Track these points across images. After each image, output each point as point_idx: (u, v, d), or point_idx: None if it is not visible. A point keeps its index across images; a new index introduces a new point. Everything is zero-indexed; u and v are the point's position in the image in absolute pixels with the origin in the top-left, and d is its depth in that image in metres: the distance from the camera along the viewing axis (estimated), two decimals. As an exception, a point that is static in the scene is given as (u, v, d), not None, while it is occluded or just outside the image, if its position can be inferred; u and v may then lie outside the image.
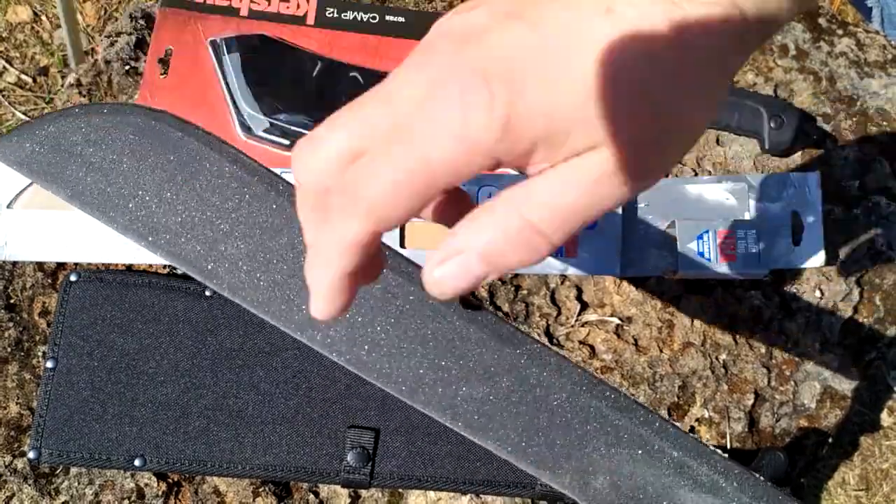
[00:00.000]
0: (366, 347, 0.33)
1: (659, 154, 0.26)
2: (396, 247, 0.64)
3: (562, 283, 0.65)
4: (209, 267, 0.33)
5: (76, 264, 0.64)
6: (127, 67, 0.69)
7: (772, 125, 0.66)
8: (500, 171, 0.67)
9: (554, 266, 0.64)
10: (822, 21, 0.72)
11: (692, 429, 0.63)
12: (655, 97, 0.24)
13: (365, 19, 0.70)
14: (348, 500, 0.61)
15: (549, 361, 0.32)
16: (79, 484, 0.61)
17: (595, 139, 0.25)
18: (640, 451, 0.32)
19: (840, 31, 0.72)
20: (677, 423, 0.32)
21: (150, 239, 0.34)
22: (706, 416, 0.63)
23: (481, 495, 0.61)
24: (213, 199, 0.34)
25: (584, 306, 0.65)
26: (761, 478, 0.33)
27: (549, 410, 0.32)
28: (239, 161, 0.34)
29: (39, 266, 0.64)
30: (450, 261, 0.26)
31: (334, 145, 0.25)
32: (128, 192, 0.34)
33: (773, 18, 0.26)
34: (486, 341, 0.32)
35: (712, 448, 0.33)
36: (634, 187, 0.26)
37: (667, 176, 0.68)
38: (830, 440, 0.64)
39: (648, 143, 0.25)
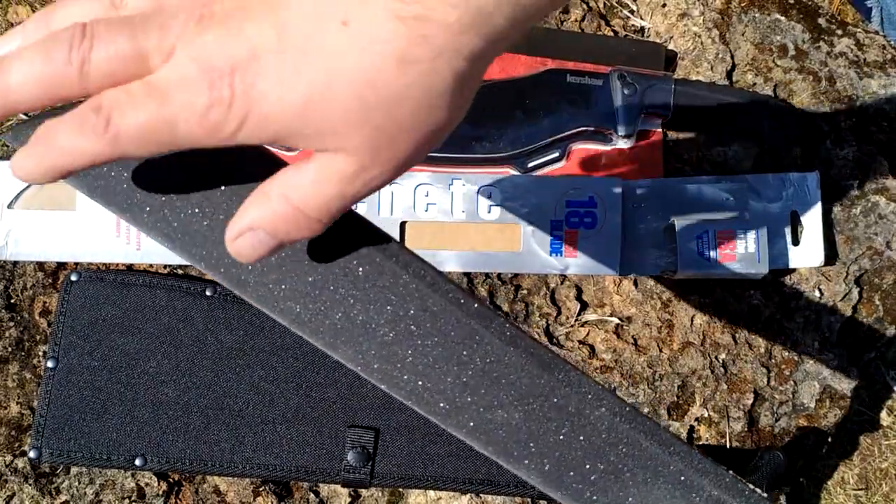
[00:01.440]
0: (398, 366, 0.32)
1: (396, 152, 0.28)
2: (396, 247, 0.64)
3: (562, 283, 0.65)
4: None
5: (77, 264, 0.64)
6: (127, 67, 0.69)
7: (772, 125, 0.66)
8: (499, 170, 0.67)
9: (554, 266, 0.64)
10: (821, 21, 0.72)
11: (692, 428, 0.63)
12: (379, 107, 0.27)
13: (365, 19, 0.70)
14: (348, 500, 0.61)
15: (588, 390, 0.31)
16: (79, 483, 0.61)
17: (334, 143, 0.28)
18: (678, 487, 0.31)
19: (839, 32, 0.72)
20: (714, 462, 0.31)
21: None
22: (706, 415, 0.63)
23: (481, 495, 0.61)
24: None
25: (584, 306, 0.65)
26: None
27: (587, 440, 0.31)
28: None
29: (40, 266, 0.65)
30: (243, 236, 0.30)
31: (119, 47, 0.27)
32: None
33: (501, 37, 0.28)
34: (525, 366, 0.31)
35: (745, 483, 0.32)
36: (385, 178, 0.29)
37: (666, 176, 0.68)
38: (830, 440, 0.64)
39: (382, 147, 0.28)
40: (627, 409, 0.31)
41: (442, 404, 0.31)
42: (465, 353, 0.31)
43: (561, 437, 0.31)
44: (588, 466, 0.31)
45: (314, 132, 0.28)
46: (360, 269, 0.32)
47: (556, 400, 0.31)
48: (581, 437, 0.31)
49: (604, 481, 0.31)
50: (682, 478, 0.31)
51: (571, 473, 0.31)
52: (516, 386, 0.31)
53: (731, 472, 0.32)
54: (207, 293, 0.62)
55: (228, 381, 0.60)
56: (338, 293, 0.32)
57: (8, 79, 0.28)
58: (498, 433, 0.31)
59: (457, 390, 0.31)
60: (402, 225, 0.64)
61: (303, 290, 0.32)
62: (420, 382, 0.31)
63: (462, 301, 0.31)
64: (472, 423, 0.31)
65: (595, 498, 0.31)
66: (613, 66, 0.68)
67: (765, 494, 0.33)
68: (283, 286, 0.32)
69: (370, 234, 0.33)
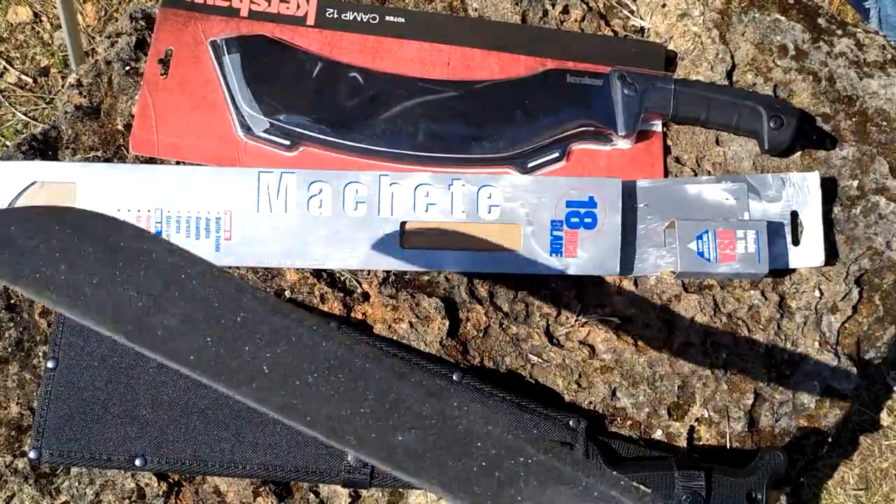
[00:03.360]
0: (299, 396, 0.36)
1: None
2: (396, 247, 0.64)
3: (562, 283, 0.65)
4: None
5: (77, 264, 0.64)
6: (127, 68, 0.69)
7: (771, 125, 0.66)
8: (499, 170, 0.67)
9: (554, 266, 0.64)
10: (821, 21, 0.72)
11: (692, 428, 0.63)
12: None
13: (365, 20, 0.70)
14: (348, 500, 0.61)
15: (475, 410, 0.36)
16: (79, 484, 0.61)
17: None
18: (569, 488, 0.34)
19: (839, 32, 0.72)
20: (602, 466, 0.34)
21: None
22: (706, 415, 0.63)
23: (481, 495, 0.61)
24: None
25: (584, 306, 0.65)
26: None
27: (476, 455, 0.34)
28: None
29: (40, 266, 0.65)
30: None
31: None
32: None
33: None
34: (418, 396, 0.35)
35: (636, 485, 0.35)
36: None
37: (666, 176, 0.68)
38: (830, 440, 0.64)
39: None
40: (513, 426, 0.35)
41: (345, 432, 0.35)
42: (360, 385, 0.35)
43: (452, 453, 0.34)
44: (480, 478, 0.34)
45: None
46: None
47: (447, 422, 0.35)
48: (471, 452, 0.34)
49: (496, 489, 0.34)
50: (573, 481, 0.34)
51: (464, 484, 0.34)
52: (411, 412, 0.35)
53: (616, 473, 0.35)
54: (207, 293, 0.61)
55: (228, 382, 0.60)
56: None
57: None
58: (397, 453, 0.34)
59: (357, 417, 0.35)
60: (402, 225, 0.64)
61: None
62: (323, 412, 0.35)
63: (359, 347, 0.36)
64: (372, 446, 0.35)
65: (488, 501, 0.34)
66: (613, 66, 0.68)
67: (648, 490, 0.35)
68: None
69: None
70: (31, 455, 0.59)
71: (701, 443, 0.63)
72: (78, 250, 0.36)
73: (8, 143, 1.15)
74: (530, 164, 0.67)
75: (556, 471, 0.34)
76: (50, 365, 0.60)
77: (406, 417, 0.35)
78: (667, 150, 0.69)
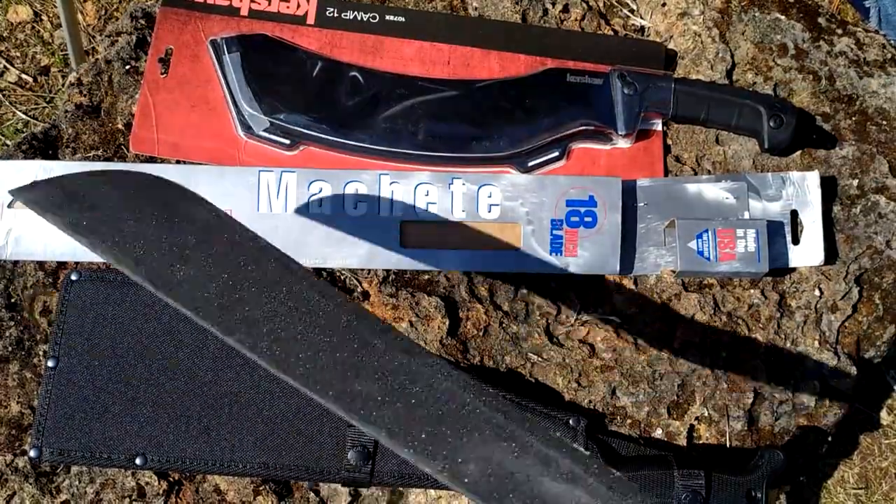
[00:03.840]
0: (271, 338, 0.39)
1: None
2: (396, 246, 0.64)
3: (562, 282, 0.65)
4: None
5: (77, 264, 0.64)
6: (127, 67, 0.69)
7: (771, 125, 0.66)
8: (499, 170, 0.67)
9: (554, 266, 0.64)
10: (821, 20, 0.72)
11: (692, 427, 0.63)
12: None
13: (365, 19, 0.70)
14: (349, 499, 0.62)
15: (432, 363, 0.38)
16: (80, 482, 0.61)
17: None
18: (510, 444, 0.36)
19: (839, 31, 0.72)
20: (545, 424, 0.37)
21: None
22: (706, 414, 0.63)
23: (481, 494, 0.61)
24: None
25: (584, 306, 0.65)
26: (617, 472, 0.37)
27: (427, 407, 0.37)
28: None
29: (40, 265, 0.65)
30: None
31: None
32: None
33: None
34: (388, 351, 0.38)
35: (575, 446, 0.37)
36: None
37: (666, 175, 0.68)
38: (830, 439, 0.64)
39: None
40: (472, 383, 0.37)
41: (312, 376, 0.38)
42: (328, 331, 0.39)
43: (403, 403, 0.37)
44: (428, 428, 0.36)
45: None
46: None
47: (403, 375, 0.37)
48: (422, 404, 0.37)
49: (441, 438, 0.36)
50: (514, 437, 0.36)
51: (413, 435, 0.37)
52: (376, 366, 0.38)
53: (560, 436, 0.37)
54: (208, 292, 0.62)
55: (228, 381, 0.60)
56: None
57: None
58: (355, 401, 0.37)
59: (322, 363, 0.38)
60: (402, 224, 0.64)
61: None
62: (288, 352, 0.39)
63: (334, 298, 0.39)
64: (334, 394, 0.37)
65: (433, 451, 0.36)
66: (613, 66, 0.68)
67: (586, 452, 0.38)
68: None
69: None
70: (32, 454, 0.59)
71: (701, 442, 0.63)
72: (135, 209, 0.40)
73: (8, 142, 1.15)
74: (530, 164, 0.68)
75: (500, 428, 0.37)
76: (50, 364, 0.60)
77: (373, 367, 0.38)
78: (667, 150, 0.69)
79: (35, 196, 0.41)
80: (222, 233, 0.42)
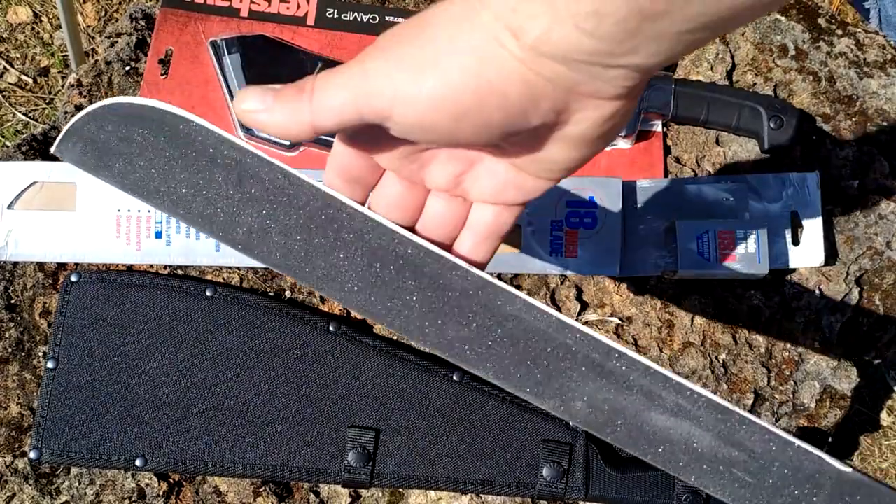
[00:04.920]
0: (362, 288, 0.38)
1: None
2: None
3: (562, 283, 0.65)
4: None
5: (77, 265, 0.64)
6: (127, 68, 0.69)
7: (772, 125, 0.66)
8: (500, 171, 0.66)
9: (554, 266, 0.64)
10: (821, 21, 0.72)
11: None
12: None
13: (365, 20, 0.70)
14: (349, 500, 0.61)
15: (532, 307, 0.38)
16: (79, 484, 0.61)
17: None
18: (610, 380, 0.37)
19: (839, 32, 0.72)
20: (645, 359, 0.37)
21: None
22: (706, 415, 0.63)
23: (481, 495, 0.61)
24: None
25: (584, 306, 0.65)
26: (724, 402, 0.37)
27: (533, 350, 0.37)
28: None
29: (40, 266, 0.65)
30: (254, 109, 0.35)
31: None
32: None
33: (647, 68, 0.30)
34: (475, 294, 0.38)
35: (680, 379, 0.37)
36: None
37: (666, 176, 0.68)
38: (830, 440, 0.64)
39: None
40: (557, 319, 0.38)
41: (411, 327, 0.38)
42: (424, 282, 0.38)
43: (511, 347, 0.38)
44: (535, 370, 0.37)
45: None
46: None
47: (507, 320, 0.38)
48: (528, 348, 0.37)
49: (548, 378, 0.37)
50: (614, 374, 0.37)
51: (522, 373, 0.37)
52: (465, 307, 0.38)
53: (662, 370, 0.37)
54: (207, 293, 0.62)
55: (228, 381, 0.60)
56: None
57: None
58: (457, 346, 0.37)
59: (416, 314, 0.38)
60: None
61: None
62: (384, 306, 0.38)
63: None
64: (434, 340, 0.38)
65: (542, 389, 0.37)
66: (613, 67, 0.68)
67: (693, 387, 0.37)
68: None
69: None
70: (32, 455, 0.59)
71: (701, 443, 0.63)
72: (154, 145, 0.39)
73: (8, 143, 1.15)
74: (530, 164, 0.67)
75: (600, 366, 0.37)
76: (50, 365, 0.60)
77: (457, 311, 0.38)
78: (667, 150, 0.69)
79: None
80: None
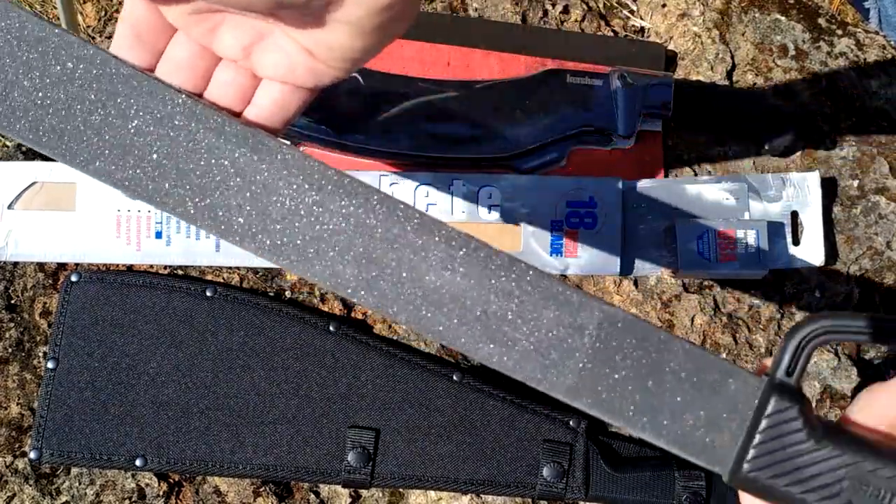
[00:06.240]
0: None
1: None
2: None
3: (562, 283, 0.65)
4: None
5: (77, 265, 0.64)
6: (127, 68, 0.69)
7: (772, 125, 0.66)
8: (499, 170, 0.67)
9: (554, 266, 0.64)
10: (821, 21, 0.72)
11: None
12: None
13: (365, 20, 0.70)
14: (349, 500, 0.61)
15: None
16: (80, 484, 0.61)
17: None
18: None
19: (840, 32, 0.72)
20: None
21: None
22: (706, 415, 0.63)
23: (481, 495, 0.61)
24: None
25: (584, 306, 0.65)
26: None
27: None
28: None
29: (40, 266, 0.65)
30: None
31: None
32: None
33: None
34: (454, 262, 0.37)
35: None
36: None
37: (666, 176, 0.68)
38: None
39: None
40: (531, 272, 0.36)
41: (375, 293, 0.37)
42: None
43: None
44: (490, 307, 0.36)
45: None
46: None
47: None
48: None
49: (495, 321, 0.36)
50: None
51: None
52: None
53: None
54: (208, 294, 0.62)
55: (228, 381, 0.60)
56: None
57: None
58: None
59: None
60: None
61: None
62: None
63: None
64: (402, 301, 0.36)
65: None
66: (613, 66, 0.68)
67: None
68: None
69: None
70: (32, 455, 0.59)
71: (701, 443, 0.63)
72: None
73: (8, 143, 1.15)
74: (530, 164, 0.67)
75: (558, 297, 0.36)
76: (50, 365, 0.60)
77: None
78: (667, 151, 0.69)
79: None
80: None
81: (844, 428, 0.33)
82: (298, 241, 0.37)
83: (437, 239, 0.36)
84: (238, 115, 0.39)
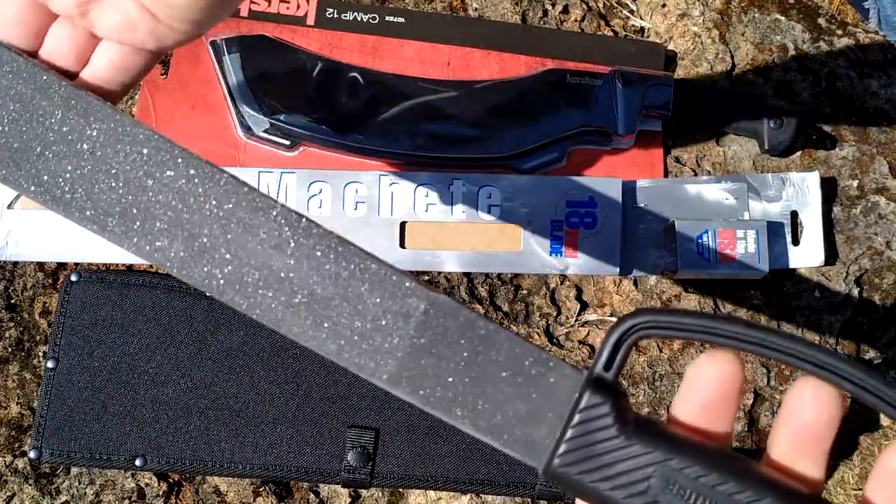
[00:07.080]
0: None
1: None
2: (395, 247, 0.64)
3: (562, 283, 0.65)
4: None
5: (77, 264, 0.64)
6: (127, 68, 0.69)
7: (771, 125, 0.66)
8: (499, 171, 0.67)
9: (554, 266, 0.64)
10: (821, 21, 0.72)
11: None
12: None
13: (365, 20, 0.70)
14: (349, 500, 0.61)
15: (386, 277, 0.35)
16: (79, 484, 0.61)
17: None
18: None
19: (840, 32, 0.72)
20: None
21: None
22: (706, 415, 0.63)
23: (481, 495, 0.61)
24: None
25: (584, 306, 0.65)
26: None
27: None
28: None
29: (40, 266, 0.65)
30: None
31: None
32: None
33: None
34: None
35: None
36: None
37: (666, 176, 0.68)
38: (830, 440, 0.64)
39: None
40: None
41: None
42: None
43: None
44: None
45: None
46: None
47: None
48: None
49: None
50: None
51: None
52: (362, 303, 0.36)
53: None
54: (207, 293, 0.62)
55: (228, 381, 0.60)
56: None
57: None
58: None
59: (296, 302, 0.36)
60: (402, 225, 0.64)
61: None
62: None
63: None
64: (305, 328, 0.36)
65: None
66: (613, 66, 0.68)
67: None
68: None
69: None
70: (32, 455, 0.59)
71: (701, 443, 0.63)
72: None
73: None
74: (530, 164, 0.67)
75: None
76: (50, 365, 0.60)
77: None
78: (667, 151, 0.69)
79: None
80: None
81: (660, 425, 0.33)
82: (127, 212, 0.35)
83: (268, 217, 0.35)
84: (74, 76, 0.37)
